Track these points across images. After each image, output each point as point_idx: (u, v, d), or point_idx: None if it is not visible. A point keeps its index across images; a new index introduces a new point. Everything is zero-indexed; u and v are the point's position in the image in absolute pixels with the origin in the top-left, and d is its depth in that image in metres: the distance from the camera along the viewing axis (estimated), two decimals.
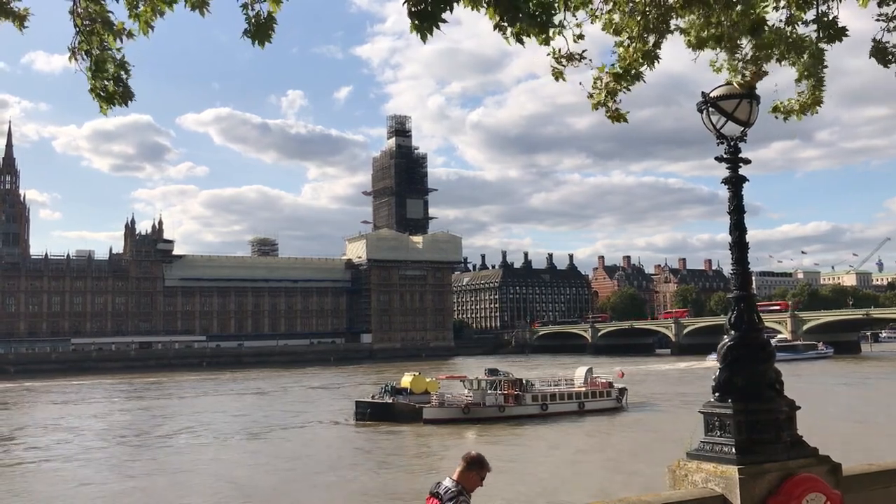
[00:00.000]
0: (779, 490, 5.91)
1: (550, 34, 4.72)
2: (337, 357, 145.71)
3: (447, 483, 5.19)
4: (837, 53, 5.59)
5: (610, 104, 5.72)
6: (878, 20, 5.66)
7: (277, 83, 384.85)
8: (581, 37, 5.14)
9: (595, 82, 5.75)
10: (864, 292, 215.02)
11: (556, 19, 4.74)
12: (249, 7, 4.43)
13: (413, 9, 4.08)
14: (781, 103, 6.28)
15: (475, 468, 5.26)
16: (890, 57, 5.76)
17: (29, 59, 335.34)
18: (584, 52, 5.31)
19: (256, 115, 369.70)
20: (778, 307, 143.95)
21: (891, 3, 5.61)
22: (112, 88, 4.63)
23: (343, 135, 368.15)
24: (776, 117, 6.31)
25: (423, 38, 4.14)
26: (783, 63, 5.83)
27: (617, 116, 5.77)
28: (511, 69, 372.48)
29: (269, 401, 64.63)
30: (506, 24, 4.39)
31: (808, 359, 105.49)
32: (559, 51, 5.32)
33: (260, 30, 4.45)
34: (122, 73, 4.63)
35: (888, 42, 5.73)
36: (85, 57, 4.58)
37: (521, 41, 4.54)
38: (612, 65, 5.66)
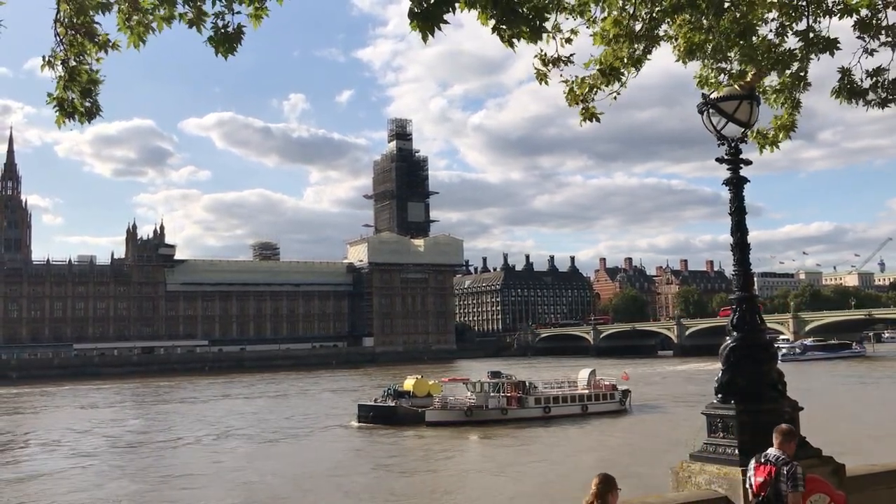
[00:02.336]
0: None
1: (543, 38, 4.72)
2: (339, 360, 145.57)
3: (774, 452, 5.66)
4: (840, 53, 5.61)
5: (588, 101, 5.70)
6: (858, 38, 5.69)
7: (279, 87, 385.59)
8: (569, 41, 5.12)
9: (575, 79, 5.73)
10: (866, 293, 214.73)
11: (549, 24, 4.74)
12: (220, 17, 4.40)
13: (416, 9, 4.09)
14: (758, 131, 6.36)
15: (790, 437, 5.73)
16: (856, 87, 5.80)
17: (31, 65, 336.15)
18: (571, 55, 5.29)
19: (258, 119, 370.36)
20: None
21: (869, 33, 5.64)
22: (78, 102, 4.62)
23: (345, 138, 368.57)
24: (757, 143, 6.39)
25: (424, 39, 4.13)
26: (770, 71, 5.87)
27: (589, 115, 5.74)
28: (513, 71, 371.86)
29: (271, 405, 64.57)
30: (504, 26, 4.40)
31: (841, 357, 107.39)
32: (545, 54, 5.31)
33: (225, 39, 4.43)
34: (92, 87, 4.62)
35: (862, 66, 5.77)
36: (60, 66, 4.57)
37: (511, 44, 4.54)
38: (598, 61, 5.67)
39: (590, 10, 5.36)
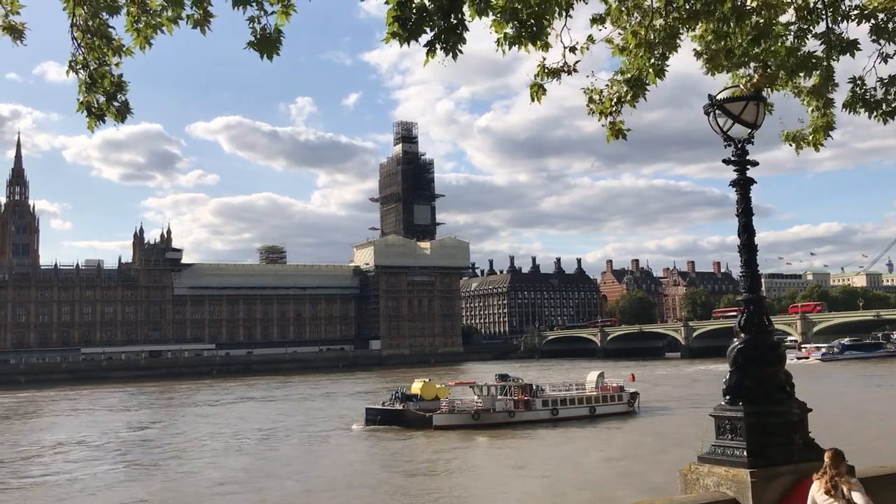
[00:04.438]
0: (792, 493, 5.88)
1: (539, 44, 4.68)
2: (346, 364, 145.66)
3: None
4: (858, 56, 5.60)
5: (615, 115, 5.64)
6: (873, 41, 5.68)
7: (286, 90, 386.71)
8: (573, 49, 5.03)
9: (594, 89, 5.67)
10: (875, 293, 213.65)
11: (549, 31, 4.68)
12: (256, 21, 4.39)
13: (397, 14, 4.13)
14: (791, 132, 6.34)
15: None
16: (871, 98, 5.79)
17: (41, 70, 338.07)
18: (576, 62, 5.16)
19: (266, 123, 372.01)
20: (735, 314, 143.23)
21: (885, 37, 5.62)
22: (105, 104, 4.65)
23: (352, 141, 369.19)
24: (790, 145, 6.38)
25: (401, 44, 4.20)
26: (793, 79, 5.86)
27: (617, 132, 5.68)
28: (520, 73, 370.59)
29: (279, 408, 64.62)
30: (509, 31, 4.39)
31: (878, 357, 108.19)
32: (544, 66, 5.18)
33: (266, 43, 4.43)
34: (119, 91, 4.65)
35: (877, 72, 5.75)
36: (83, 71, 4.61)
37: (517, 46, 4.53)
38: (619, 73, 5.61)
39: (625, 18, 5.32)
